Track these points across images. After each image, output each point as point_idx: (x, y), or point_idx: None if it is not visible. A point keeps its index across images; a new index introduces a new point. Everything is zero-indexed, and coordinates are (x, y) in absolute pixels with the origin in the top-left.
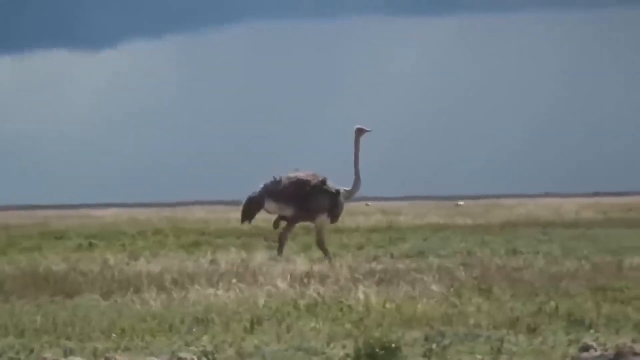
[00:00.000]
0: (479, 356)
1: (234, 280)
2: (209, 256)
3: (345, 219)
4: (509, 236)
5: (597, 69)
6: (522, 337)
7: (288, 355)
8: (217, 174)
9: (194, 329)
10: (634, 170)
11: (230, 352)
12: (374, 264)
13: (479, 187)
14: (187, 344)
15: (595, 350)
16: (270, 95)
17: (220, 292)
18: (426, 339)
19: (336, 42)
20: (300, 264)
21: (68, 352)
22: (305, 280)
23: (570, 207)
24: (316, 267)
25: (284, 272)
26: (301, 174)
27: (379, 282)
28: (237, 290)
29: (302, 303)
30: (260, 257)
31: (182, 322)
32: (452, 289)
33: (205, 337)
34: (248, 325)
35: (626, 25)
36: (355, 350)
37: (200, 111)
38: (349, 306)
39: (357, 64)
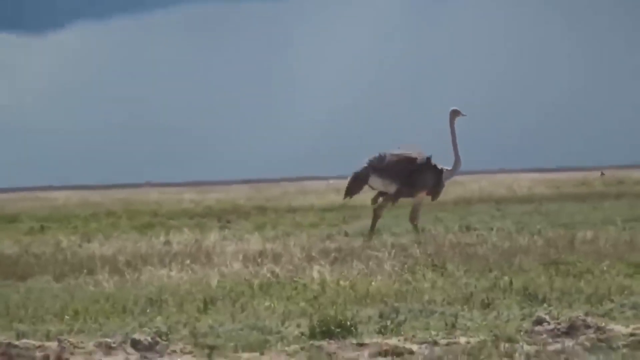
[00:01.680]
0: (433, 332)
1: (187, 261)
2: (162, 237)
3: (299, 198)
4: (462, 212)
5: (553, 42)
6: (476, 312)
7: (243, 334)
8: (169, 156)
9: (147, 310)
10: (587, 145)
11: (185, 332)
12: (328, 243)
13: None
14: (141, 325)
15: (549, 323)
16: (216, 78)
17: (173, 273)
18: (381, 315)
19: (281, 24)
20: (254, 243)
21: (21, 334)
22: (259, 260)
23: (523, 182)
24: (269, 246)
25: (238, 252)
26: (406, 151)
27: (333, 261)
28: (190, 271)
29: (256, 282)
30: (213, 237)
31: (136, 303)
32: (406, 266)
33: (159, 318)
34: (202, 305)
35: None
36: (310, 329)
37: (149, 95)
38: (304, 285)
39: (294, 46)
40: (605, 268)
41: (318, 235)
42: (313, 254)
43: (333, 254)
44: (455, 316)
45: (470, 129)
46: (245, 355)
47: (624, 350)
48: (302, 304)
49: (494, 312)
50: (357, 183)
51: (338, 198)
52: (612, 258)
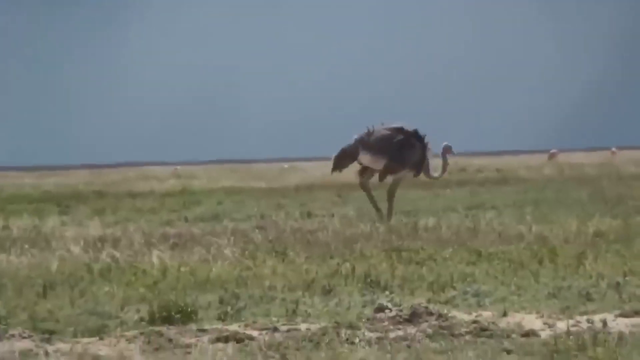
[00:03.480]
0: (274, 318)
1: (26, 246)
2: (1, 222)
3: (139, 184)
4: (303, 199)
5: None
6: (317, 299)
7: (82, 319)
8: (7, 139)
9: None
10: (427, 132)
11: (24, 316)
12: (168, 228)
13: (272, 151)
14: None
15: (391, 310)
16: (56, 59)
17: (12, 258)
18: (221, 301)
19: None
20: (94, 228)
21: None
22: (99, 245)
23: None
24: (109, 232)
25: (77, 237)
26: (393, 126)
27: (173, 246)
28: (30, 256)
29: (95, 267)
30: (52, 222)
31: None
32: (246, 252)
33: None
34: (41, 290)
35: None
36: (150, 314)
37: None
38: (143, 270)
39: (130, 31)
40: (447, 255)
41: (158, 220)
42: (153, 239)
43: (173, 240)
44: (296, 302)
45: (308, 114)
46: (85, 340)
47: (467, 338)
48: (142, 289)
49: (335, 299)
50: (344, 159)
51: (178, 183)
52: (455, 245)
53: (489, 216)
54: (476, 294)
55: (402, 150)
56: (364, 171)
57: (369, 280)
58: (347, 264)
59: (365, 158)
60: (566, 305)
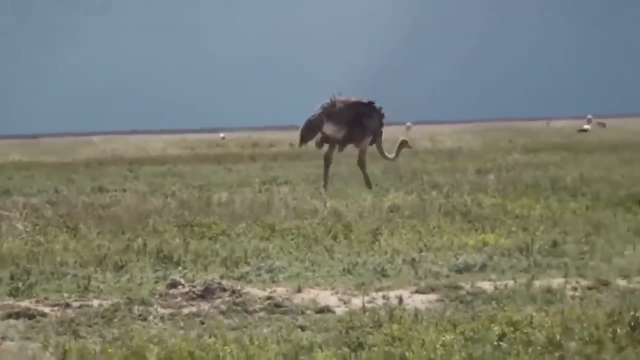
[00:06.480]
0: (66, 294)
1: None
2: None
3: None
4: (94, 174)
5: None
6: (109, 275)
7: None
8: None
9: None
10: (209, 107)
11: None
12: None
13: (65, 124)
14: None
15: (184, 286)
16: None
17: None
18: (12, 277)
19: None
20: None
21: None
22: None
23: (156, 144)
24: None
25: None
26: (352, 98)
27: None
28: None
29: None
30: None
31: None
32: (38, 227)
33: None
34: None
35: None
36: None
37: None
38: None
39: None
40: (241, 230)
41: None
42: None
43: None
44: (88, 278)
45: (108, 90)
46: None
47: (261, 314)
48: None
49: (127, 275)
50: (311, 130)
51: None
52: (248, 220)
53: (282, 191)
54: (270, 270)
55: (363, 120)
56: (324, 142)
57: (161, 255)
58: (139, 239)
59: (329, 128)
60: (361, 282)
